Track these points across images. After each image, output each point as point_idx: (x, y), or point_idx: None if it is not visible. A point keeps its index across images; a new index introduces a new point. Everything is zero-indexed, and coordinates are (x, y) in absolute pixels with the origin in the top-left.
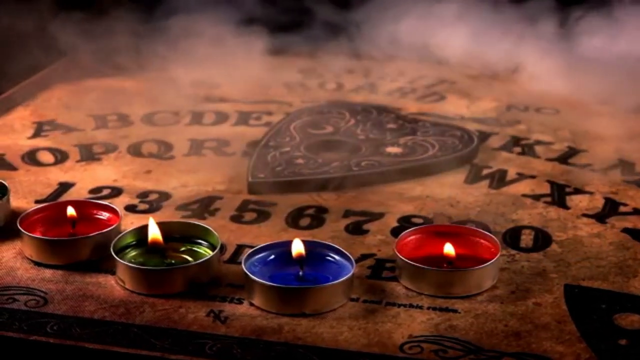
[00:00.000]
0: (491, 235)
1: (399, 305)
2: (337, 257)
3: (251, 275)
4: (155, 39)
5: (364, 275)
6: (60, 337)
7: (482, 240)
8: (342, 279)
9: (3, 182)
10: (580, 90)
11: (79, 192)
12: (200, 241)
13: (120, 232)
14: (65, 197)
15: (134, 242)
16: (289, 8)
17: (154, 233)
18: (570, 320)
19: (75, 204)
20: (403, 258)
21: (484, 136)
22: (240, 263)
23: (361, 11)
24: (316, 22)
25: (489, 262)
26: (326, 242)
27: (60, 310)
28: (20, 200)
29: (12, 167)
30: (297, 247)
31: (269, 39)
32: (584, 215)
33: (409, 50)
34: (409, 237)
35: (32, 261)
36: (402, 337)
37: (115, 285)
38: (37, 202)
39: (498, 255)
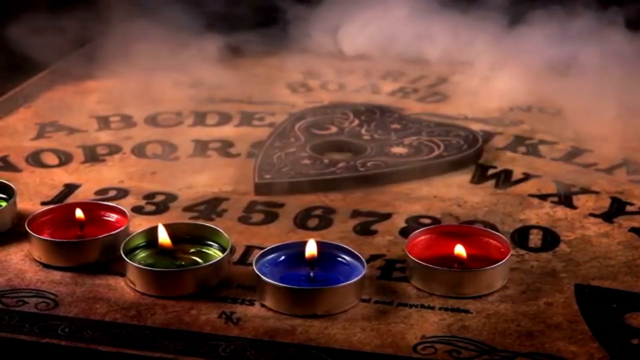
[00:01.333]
0: (501, 235)
1: (411, 306)
2: (347, 258)
3: (263, 277)
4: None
5: (375, 276)
6: (72, 340)
7: (491, 241)
8: (354, 280)
9: (10, 184)
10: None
11: (85, 193)
12: (208, 243)
13: (129, 234)
14: (71, 199)
15: (143, 244)
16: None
17: (164, 238)
18: (582, 320)
19: (83, 205)
20: (414, 259)
21: (487, 136)
22: (249, 264)
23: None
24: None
25: (501, 262)
26: (336, 243)
27: (71, 313)
28: (26, 202)
29: (16, 169)
30: (311, 248)
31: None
32: (591, 214)
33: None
34: (419, 237)
35: (41, 263)
36: (415, 338)
37: (125, 287)
38: (43, 203)
39: (509, 255)
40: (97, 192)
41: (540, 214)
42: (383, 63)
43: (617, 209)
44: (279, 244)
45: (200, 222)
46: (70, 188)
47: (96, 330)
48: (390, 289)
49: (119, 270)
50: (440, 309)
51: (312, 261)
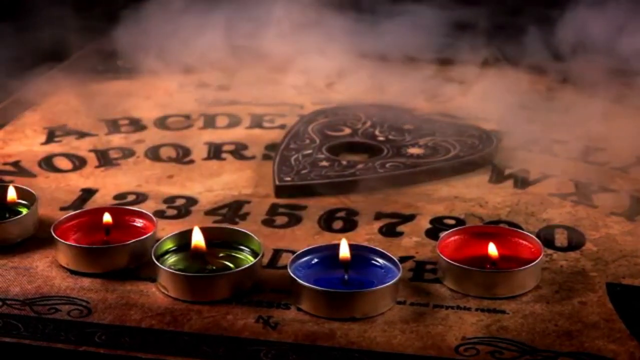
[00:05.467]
0: (532, 235)
1: (447, 307)
2: (380, 260)
3: (300, 281)
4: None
5: (407, 277)
6: (110, 348)
7: (521, 241)
8: (392, 282)
9: (30, 190)
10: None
11: (104, 198)
12: (237, 246)
13: (156, 239)
14: (90, 204)
15: (172, 249)
16: None
17: (199, 241)
18: (618, 319)
19: (110, 210)
20: (448, 260)
21: (500, 135)
22: (279, 268)
23: None
24: None
25: (535, 262)
26: (368, 245)
27: (106, 320)
28: (45, 208)
29: (30, 174)
30: (344, 250)
31: None
32: (613, 213)
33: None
34: (450, 238)
35: (68, 270)
36: (456, 340)
37: (157, 292)
38: (62, 209)
39: (542, 255)
40: (116, 197)
41: (562, 213)
42: None
43: (638, 207)
44: (311, 247)
45: (225, 225)
46: (87, 193)
47: (133, 337)
48: (424, 290)
49: (148, 275)
50: (476, 309)
51: (347, 264)
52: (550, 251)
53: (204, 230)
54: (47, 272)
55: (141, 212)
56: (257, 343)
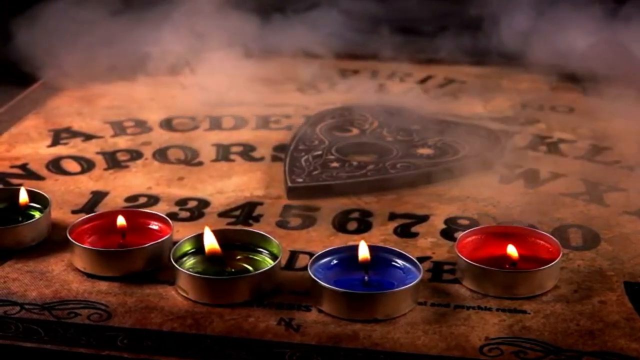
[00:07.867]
0: (549, 235)
1: (468, 308)
2: (399, 261)
3: (321, 282)
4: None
5: (426, 278)
6: (134, 351)
7: (539, 240)
8: (413, 283)
9: (43, 193)
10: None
11: (115, 200)
12: (253, 248)
13: (173, 242)
14: (101, 207)
15: (190, 251)
16: None
17: (212, 243)
18: (638, 318)
19: (125, 213)
20: (468, 260)
21: (507, 135)
22: (297, 270)
23: None
24: None
25: (555, 262)
26: (387, 246)
27: (127, 324)
28: (56, 211)
29: (38, 177)
30: (364, 251)
31: None
32: (625, 212)
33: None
34: (468, 238)
35: (85, 273)
36: (480, 340)
37: (177, 295)
38: (73, 212)
39: (561, 255)
40: (127, 199)
41: (575, 213)
42: None
43: None
44: (330, 248)
45: (239, 227)
46: (98, 196)
47: (156, 340)
48: (444, 291)
49: (165, 278)
50: (497, 310)
51: (366, 265)
52: (566, 250)
53: (221, 232)
54: (63, 275)
55: (156, 215)
56: (281, 345)
